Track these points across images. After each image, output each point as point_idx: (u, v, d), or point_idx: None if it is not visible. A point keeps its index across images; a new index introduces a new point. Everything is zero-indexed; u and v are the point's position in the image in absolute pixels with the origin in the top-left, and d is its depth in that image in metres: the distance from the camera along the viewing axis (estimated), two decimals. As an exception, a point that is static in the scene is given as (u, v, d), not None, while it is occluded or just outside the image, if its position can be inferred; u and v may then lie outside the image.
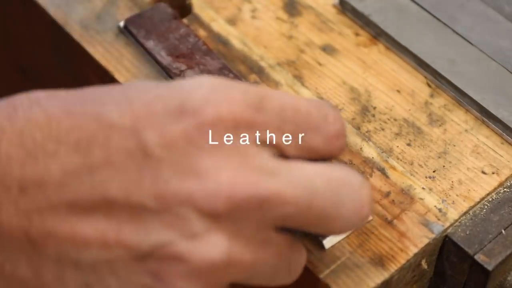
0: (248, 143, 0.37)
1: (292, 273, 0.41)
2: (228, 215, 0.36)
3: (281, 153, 0.39)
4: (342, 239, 0.46)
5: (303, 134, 0.39)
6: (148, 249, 0.35)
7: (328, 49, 0.57)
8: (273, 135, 0.38)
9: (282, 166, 0.37)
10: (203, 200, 0.35)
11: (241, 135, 0.37)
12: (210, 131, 0.36)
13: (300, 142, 0.39)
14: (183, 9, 0.59)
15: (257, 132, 0.37)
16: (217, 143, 0.36)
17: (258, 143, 0.38)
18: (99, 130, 0.35)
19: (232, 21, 0.58)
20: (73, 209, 0.34)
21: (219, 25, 0.58)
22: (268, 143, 0.38)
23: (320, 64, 0.56)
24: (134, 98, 0.36)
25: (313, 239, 0.46)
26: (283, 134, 0.38)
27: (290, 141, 0.39)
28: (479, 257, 0.46)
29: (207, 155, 0.36)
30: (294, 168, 0.38)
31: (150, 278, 0.36)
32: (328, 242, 0.46)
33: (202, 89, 0.37)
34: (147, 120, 0.35)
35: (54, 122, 0.35)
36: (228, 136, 0.36)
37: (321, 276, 0.45)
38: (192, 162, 0.35)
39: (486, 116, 0.52)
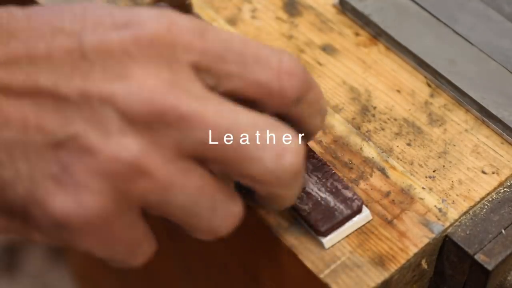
0: (183, 65, 0.38)
1: (217, 219, 0.40)
2: (146, 123, 0.37)
3: (221, 86, 0.39)
4: (343, 239, 0.46)
5: (249, 66, 0.39)
6: (63, 138, 0.37)
7: (328, 49, 0.57)
8: (213, 63, 0.39)
9: (212, 96, 0.38)
10: (123, 100, 0.37)
11: (178, 56, 0.38)
12: (146, 44, 0.38)
13: (245, 74, 0.39)
14: (183, 9, 0.59)
15: (196, 56, 0.38)
16: (151, 56, 0.37)
17: (194, 70, 0.39)
18: (49, 32, 0.38)
19: (232, 21, 0.58)
20: (6, 92, 0.37)
21: (219, 25, 0.58)
22: (206, 69, 0.39)
23: (320, 64, 0.56)
24: (90, 13, 0.39)
25: (314, 238, 0.46)
26: (225, 63, 0.39)
27: (233, 72, 0.39)
28: (479, 257, 0.46)
29: (138, 65, 0.37)
30: (224, 101, 0.38)
31: (58, 168, 0.37)
32: (328, 242, 0.46)
33: (151, 11, 0.39)
34: (93, 28, 0.38)
35: (14, 22, 0.39)
36: (164, 53, 0.38)
37: (321, 276, 0.45)
38: (123, 69, 0.37)
39: (486, 116, 0.52)
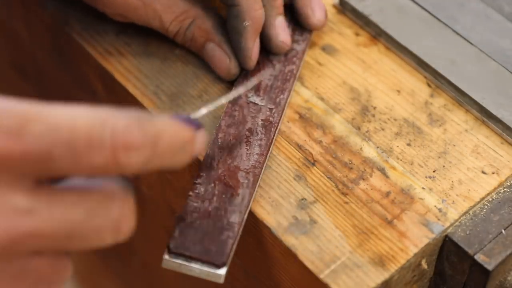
0: (10, 184, 0.35)
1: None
2: None
3: (56, 175, 0.36)
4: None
5: (81, 155, 0.35)
6: None
7: (328, 49, 0.57)
8: (38, 165, 0.35)
9: (39, 203, 0.35)
10: None
11: (3, 177, 0.34)
12: None
13: (78, 164, 0.35)
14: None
15: (15, 165, 0.34)
16: None
17: (16, 179, 0.35)
18: None
19: (232, 21, 0.58)
20: None
21: (219, 25, 0.58)
22: (31, 173, 0.35)
23: (320, 64, 0.56)
24: None
25: (314, 238, 0.46)
26: (53, 161, 0.35)
27: (64, 166, 0.35)
28: (479, 257, 0.46)
29: None
30: (54, 201, 0.36)
31: None
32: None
33: None
34: None
35: None
36: None
37: (321, 276, 0.45)
38: None
39: (486, 116, 0.52)
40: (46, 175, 0.35)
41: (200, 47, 0.55)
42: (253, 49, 0.53)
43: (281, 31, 0.54)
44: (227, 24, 0.53)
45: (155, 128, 0.37)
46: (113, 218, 0.37)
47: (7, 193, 0.34)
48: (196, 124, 0.42)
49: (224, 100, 0.46)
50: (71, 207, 0.36)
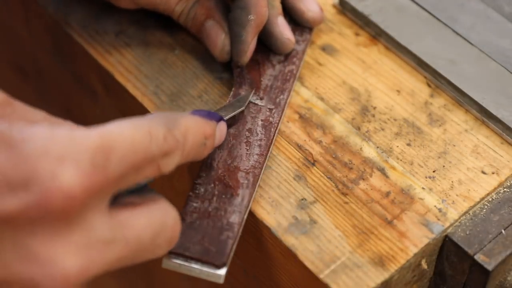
0: (95, 213, 0.37)
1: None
2: None
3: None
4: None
5: (141, 171, 0.39)
6: None
7: (328, 49, 0.57)
8: (113, 189, 0.38)
9: (116, 232, 0.38)
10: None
11: (90, 208, 0.36)
12: (55, 211, 0.35)
13: (137, 179, 0.39)
14: None
15: (101, 194, 0.37)
16: (61, 224, 0.35)
17: (98, 206, 0.37)
18: None
19: (232, 21, 0.58)
20: None
21: (219, 25, 0.58)
22: (106, 197, 0.37)
23: (320, 64, 0.56)
24: None
25: (314, 238, 0.46)
26: (124, 179, 0.38)
27: (128, 183, 0.39)
28: (479, 257, 0.46)
29: (50, 237, 0.35)
30: (127, 226, 0.38)
31: None
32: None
33: (48, 159, 0.35)
34: None
35: None
36: (75, 214, 0.35)
37: (321, 276, 0.45)
38: (33, 245, 0.35)
39: (486, 116, 0.52)
40: (114, 193, 0.38)
41: (200, 25, 0.54)
42: (250, 44, 0.53)
43: (285, 29, 0.54)
44: (230, 15, 0.53)
45: (181, 130, 0.41)
46: (168, 237, 0.41)
47: (93, 224, 0.37)
48: (217, 117, 0.44)
49: (239, 108, 0.50)
50: (142, 232, 0.39)
